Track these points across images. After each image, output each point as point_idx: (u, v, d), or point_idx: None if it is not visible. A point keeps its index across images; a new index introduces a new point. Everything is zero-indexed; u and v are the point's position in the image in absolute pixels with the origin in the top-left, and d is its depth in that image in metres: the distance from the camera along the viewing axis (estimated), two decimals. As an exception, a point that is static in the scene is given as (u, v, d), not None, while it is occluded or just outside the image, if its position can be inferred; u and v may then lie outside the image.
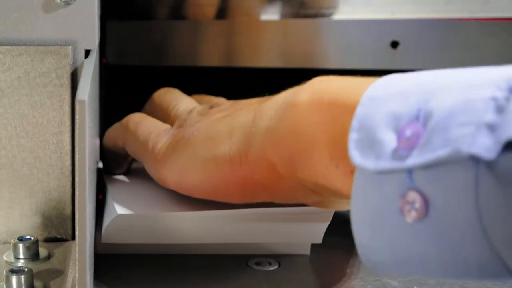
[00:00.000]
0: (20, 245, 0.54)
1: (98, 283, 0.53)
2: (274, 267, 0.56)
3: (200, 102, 0.63)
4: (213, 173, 0.53)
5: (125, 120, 0.62)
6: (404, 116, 0.40)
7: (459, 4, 0.64)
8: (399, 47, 0.71)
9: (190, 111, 0.59)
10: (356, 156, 0.41)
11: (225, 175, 0.53)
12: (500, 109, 0.37)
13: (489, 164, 0.37)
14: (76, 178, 0.44)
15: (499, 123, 0.37)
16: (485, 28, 0.72)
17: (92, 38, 0.56)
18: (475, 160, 0.37)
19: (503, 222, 0.37)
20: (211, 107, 0.59)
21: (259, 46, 0.72)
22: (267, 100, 0.53)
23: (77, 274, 0.46)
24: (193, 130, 0.55)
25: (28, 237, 0.55)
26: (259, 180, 0.52)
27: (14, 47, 0.55)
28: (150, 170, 0.58)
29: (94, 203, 0.58)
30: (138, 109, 0.65)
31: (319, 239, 0.57)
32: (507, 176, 0.36)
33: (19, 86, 0.56)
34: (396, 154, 0.40)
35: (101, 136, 0.66)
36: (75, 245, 0.47)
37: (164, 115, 0.62)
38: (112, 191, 0.59)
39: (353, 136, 0.42)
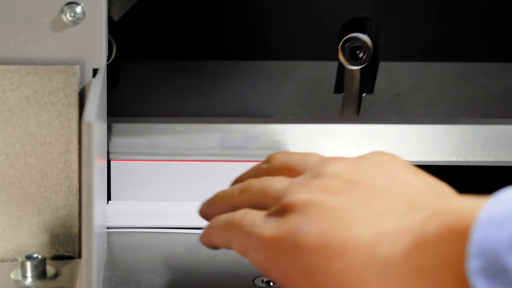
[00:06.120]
0: (28, 263, 0.55)
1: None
2: (281, 286, 0.56)
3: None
4: None
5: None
6: None
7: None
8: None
9: (290, 185, 0.49)
10: (482, 286, 0.37)
11: None
12: None
13: None
14: (83, 200, 0.44)
15: None
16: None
17: (99, 57, 0.56)
18: None
19: None
20: (313, 176, 0.49)
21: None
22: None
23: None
24: (300, 225, 0.46)
25: (35, 255, 0.55)
26: None
27: (22, 66, 0.55)
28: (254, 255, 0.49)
29: (103, 221, 0.58)
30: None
31: None
32: None
33: (27, 105, 0.56)
34: None
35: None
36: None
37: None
38: None
39: (473, 264, 0.38)
